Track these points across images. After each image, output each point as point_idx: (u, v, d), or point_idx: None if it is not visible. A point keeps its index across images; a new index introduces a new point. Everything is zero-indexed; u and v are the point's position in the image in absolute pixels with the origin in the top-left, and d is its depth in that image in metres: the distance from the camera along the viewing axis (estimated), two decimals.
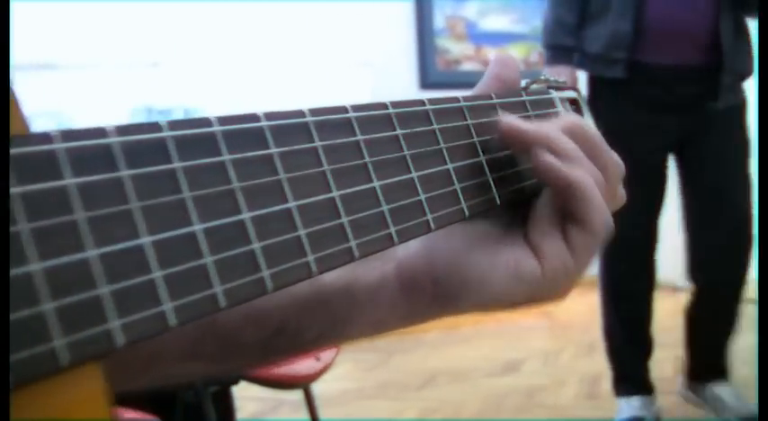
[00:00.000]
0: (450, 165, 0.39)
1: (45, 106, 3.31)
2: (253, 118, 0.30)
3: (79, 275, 0.22)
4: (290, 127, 0.31)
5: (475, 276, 0.42)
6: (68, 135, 0.24)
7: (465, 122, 0.41)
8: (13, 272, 0.21)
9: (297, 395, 1.81)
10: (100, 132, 0.25)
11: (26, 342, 0.21)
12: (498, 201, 0.42)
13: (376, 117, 0.35)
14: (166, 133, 0.26)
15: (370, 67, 3.87)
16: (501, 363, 3.04)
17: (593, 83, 2.18)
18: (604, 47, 2.09)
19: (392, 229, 0.34)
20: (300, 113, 0.31)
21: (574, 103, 0.57)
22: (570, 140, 0.42)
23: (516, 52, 4.45)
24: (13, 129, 0.23)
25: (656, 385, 2.36)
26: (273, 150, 0.29)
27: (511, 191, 0.43)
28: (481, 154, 0.41)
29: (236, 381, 1.47)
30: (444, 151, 0.39)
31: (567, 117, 0.44)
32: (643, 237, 2.27)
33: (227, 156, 0.28)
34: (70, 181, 0.23)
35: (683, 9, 2.04)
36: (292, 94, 3.64)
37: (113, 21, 3.43)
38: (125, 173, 0.25)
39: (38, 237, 0.22)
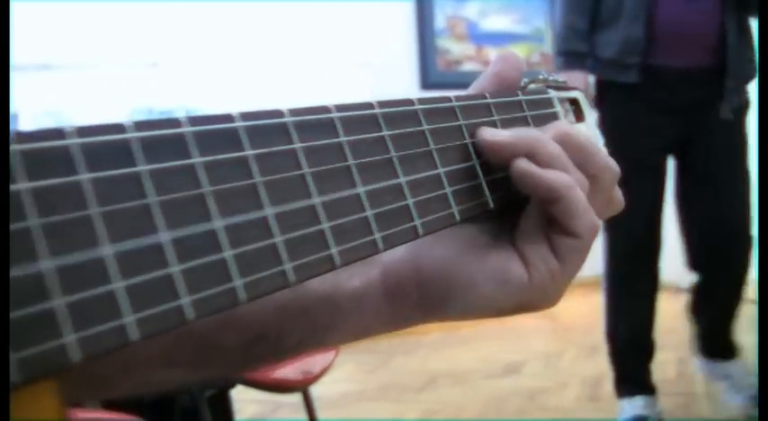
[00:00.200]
0: (440, 168, 0.37)
1: (45, 106, 3.30)
2: (226, 118, 0.28)
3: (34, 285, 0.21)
4: (268, 128, 0.29)
5: (461, 282, 0.41)
6: (24, 137, 0.22)
7: (457, 123, 0.39)
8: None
9: (296, 397, 1.80)
10: (58, 134, 0.23)
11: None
12: (491, 205, 0.40)
13: (361, 117, 0.33)
14: (131, 134, 0.25)
15: (371, 68, 3.86)
16: (502, 365, 3.03)
17: (601, 86, 2.18)
18: (617, 52, 2.10)
19: (377, 236, 0.32)
20: (279, 113, 0.30)
21: (574, 104, 0.55)
22: (557, 146, 0.41)
23: (517, 53, 4.43)
24: None
25: (659, 386, 2.35)
26: (248, 152, 0.28)
27: (505, 194, 0.41)
28: (474, 156, 0.40)
29: (232, 385, 1.46)
30: (434, 153, 0.37)
31: (557, 124, 0.43)
32: (648, 239, 2.27)
33: (197, 159, 0.26)
34: (26, 185, 0.21)
35: (692, 12, 2.05)
36: (292, 94, 3.62)
37: (113, 21, 3.41)
38: (84, 176, 0.23)
39: None
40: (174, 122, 0.26)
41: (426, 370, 3.00)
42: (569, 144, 0.42)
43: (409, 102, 0.37)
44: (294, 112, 0.30)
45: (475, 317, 0.42)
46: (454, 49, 4.25)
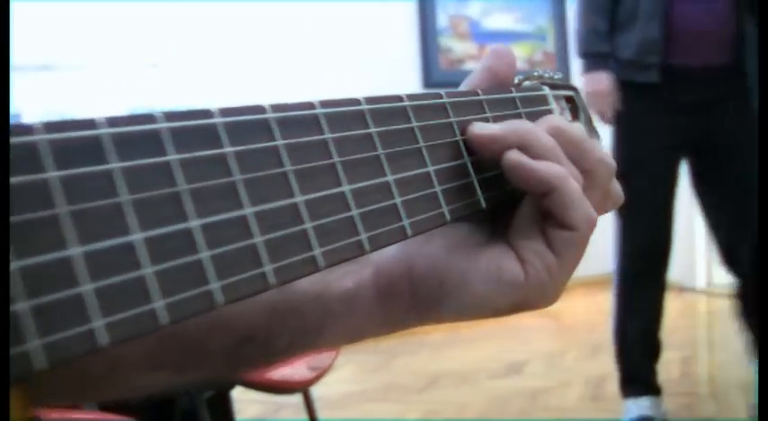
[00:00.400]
0: (430, 166, 0.36)
1: (45, 107, 3.30)
2: (205, 114, 0.27)
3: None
4: (248, 124, 0.28)
5: (454, 281, 0.40)
6: None
7: (448, 120, 0.38)
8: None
9: (298, 398, 1.79)
10: (26, 129, 0.22)
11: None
12: (483, 205, 0.39)
13: (347, 114, 0.32)
14: (103, 130, 0.24)
15: (373, 67, 3.84)
16: (504, 365, 3.02)
17: (620, 87, 2.19)
18: (636, 53, 2.13)
19: (363, 236, 0.31)
20: (260, 109, 0.29)
21: (570, 101, 0.54)
22: (550, 139, 0.39)
23: (520, 51, 4.42)
24: None
25: (663, 386, 2.33)
26: (227, 149, 0.27)
27: (498, 194, 0.40)
28: (465, 154, 0.39)
29: (232, 386, 1.45)
30: (424, 151, 0.36)
31: (550, 119, 0.42)
32: (660, 238, 2.28)
33: (172, 156, 0.25)
34: None
35: (708, 11, 2.08)
36: (293, 93, 3.61)
37: (113, 22, 3.41)
38: (53, 174, 0.22)
39: None
40: (148, 118, 0.25)
41: (428, 370, 2.99)
42: (562, 138, 0.40)
43: (398, 98, 0.36)
44: (277, 108, 0.29)
45: (470, 317, 0.41)
46: (456, 47, 4.24)
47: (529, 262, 0.40)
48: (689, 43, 2.09)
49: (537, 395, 2.68)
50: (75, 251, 0.22)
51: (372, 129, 0.33)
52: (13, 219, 0.21)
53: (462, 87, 0.44)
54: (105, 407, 1.10)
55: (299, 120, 0.30)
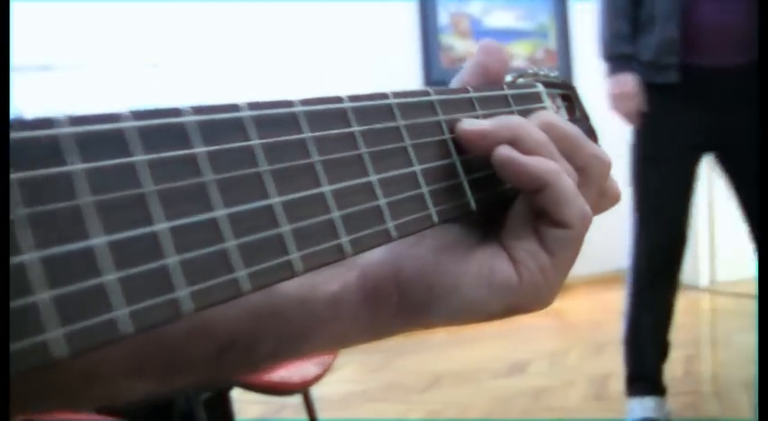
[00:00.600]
0: (416, 166, 0.34)
1: (45, 107, 3.29)
2: (174, 112, 0.26)
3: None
4: (222, 123, 0.27)
5: (443, 285, 0.38)
6: None
7: (436, 118, 0.37)
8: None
9: (300, 397, 1.78)
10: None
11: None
12: (473, 207, 0.37)
13: (328, 112, 0.31)
14: (63, 129, 0.22)
15: (374, 65, 3.83)
16: (507, 364, 3.00)
17: (644, 89, 2.21)
18: (655, 54, 2.15)
19: (343, 239, 0.29)
20: (235, 107, 0.27)
21: (566, 99, 0.53)
22: (542, 134, 0.38)
23: (521, 49, 4.41)
24: None
25: (666, 385, 2.32)
26: (197, 150, 0.25)
27: (489, 195, 0.39)
28: (454, 153, 0.37)
29: (229, 388, 1.44)
30: (410, 150, 0.34)
31: (541, 114, 0.41)
32: (676, 237, 2.29)
33: (139, 157, 0.24)
34: None
35: (726, 10, 2.09)
36: (295, 93, 3.59)
37: (113, 22, 3.40)
38: (13, 176, 0.21)
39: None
40: (113, 117, 0.24)
41: (431, 370, 2.98)
42: (555, 133, 0.39)
43: (383, 95, 0.34)
44: (252, 106, 0.28)
45: (462, 322, 0.40)
46: (458, 45, 4.23)
47: (522, 262, 0.38)
48: (708, 43, 2.11)
49: (540, 394, 2.66)
50: (33, 256, 0.21)
51: (355, 128, 0.32)
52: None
53: (452, 85, 0.43)
54: (101, 410, 1.09)
55: (276, 118, 0.29)
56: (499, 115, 0.40)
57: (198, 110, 0.26)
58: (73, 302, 0.21)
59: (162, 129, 0.25)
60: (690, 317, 2.37)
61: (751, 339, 2.35)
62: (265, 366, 0.42)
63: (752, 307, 2.29)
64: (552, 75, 0.53)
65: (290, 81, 3.63)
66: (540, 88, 0.46)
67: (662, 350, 2.34)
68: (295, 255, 0.27)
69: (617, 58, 2.23)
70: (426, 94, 0.37)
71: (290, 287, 0.39)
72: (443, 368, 2.99)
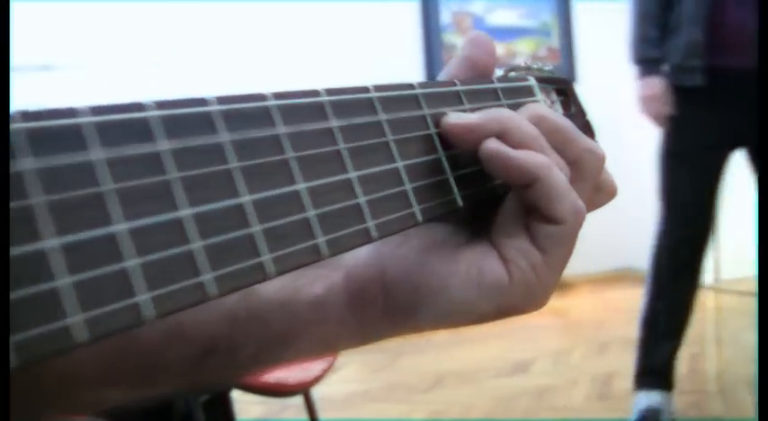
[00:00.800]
0: (399, 162, 0.33)
1: (46, 107, 3.28)
2: (137, 107, 0.24)
3: None
4: (188, 118, 0.25)
5: (431, 286, 0.37)
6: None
7: (420, 112, 0.35)
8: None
9: (302, 397, 1.76)
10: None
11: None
12: (460, 204, 0.36)
13: (303, 106, 0.30)
14: (18, 125, 0.21)
15: (376, 63, 3.82)
16: (510, 364, 2.99)
17: (674, 91, 2.27)
18: (682, 57, 2.21)
19: (320, 239, 0.28)
20: (202, 102, 0.26)
21: (562, 94, 0.51)
22: (532, 127, 0.37)
23: (524, 47, 4.39)
24: None
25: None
26: (162, 148, 0.24)
27: (477, 191, 0.37)
28: (440, 149, 0.36)
29: (228, 389, 1.42)
30: (392, 145, 0.33)
31: (531, 106, 0.39)
32: (699, 235, 2.31)
33: (97, 154, 0.22)
34: None
35: (752, 11, 2.11)
36: None
37: (115, 21, 3.39)
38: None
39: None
40: (68, 112, 0.22)
41: (433, 369, 2.97)
42: (545, 126, 0.38)
43: (364, 89, 0.33)
44: (222, 101, 0.27)
45: (451, 325, 0.38)
46: (460, 44, 4.20)
47: (512, 261, 0.37)
48: (734, 45, 2.14)
49: (543, 394, 2.65)
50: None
51: (333, 123, 0.30)
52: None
53: (440, 79, 0.41)
54: (99, 414, 1.08)
55: (247, 113, 0.27)
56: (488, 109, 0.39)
57: (161, 104, 0.25)
58: (29, 308, 0.20)
59: (122, 125, 0.23)
60: (694, 315, 2.36)
61: (744, 338, 2.34)
62: (248, 372, 0.41)
63: (745, 305, 2.28)
64: (546, 68, 0.51)
65: (292, 80, 3.61)
66: (532, 82, 0.45)
67: (676, 345, 2.35)
68: (267, 257, 0.26)
69: (645, 62, 2.29)
70: (410, 87, 0.35)
71: (270, 289, 0.38)
72: (446, 368, 2.97)
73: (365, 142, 0.32)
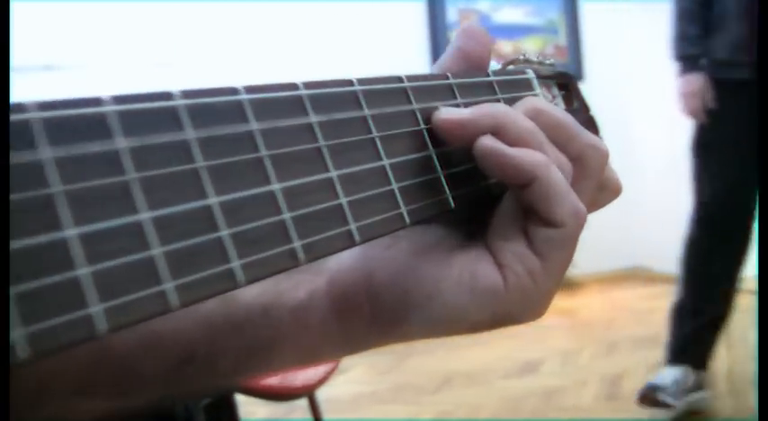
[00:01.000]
0: (385, 160, 0.31)
1: None
2: (94, 102, 0.22)
3: None
4: (149, 113, 0.23)
5: (420, 292, 0.34)
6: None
7: (409, 107, 0.33)
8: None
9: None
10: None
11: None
12: (452, 204, 0.34)
13: (279, 100, 0.27)
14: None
15: (382, 61, 3.79)
16: (518, 364, 2.96)
17: (715, 86, 2.31)
18: (729, 52, 2.26)
19: (296, 244, 0.26)
20: (166, 96, 0.24)
21: (563, 88, 0.49)
22: (530, 122, 0.34)
23: (531, 45, 4.36)
24: None
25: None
26: (121, 145, 0.22)
27: (470, 191, 0.35)
28: (430, 145, 0.34)
29: (230, 393, 1.40)
30: (378, 142, 0.31)
31: (529, 100, 0.37)
32: (742, 234, 2.33)
33: (45, 153, 0.20)
34: None
35: None
36: None
37: (116, 21, 3.39)
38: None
39: None
40: (16, 107, 0.21)
41: (441, 370, 2.94)
42: (545, 121, 0.35)
43: (347, 82, 0.31)
44: (188, 95, 0.25)
45: (444, 333, 0.36)
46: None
47: (508, 266, 0.34)
48: None
49: (552, 395, 2.62)
50: None
51: (312, 119, 0.28)
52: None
53: (433, 72, 0.39)
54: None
55: (215, 108, 0.25)
56: (483, 103, 0.37)
57: (119, 99, 0.23)
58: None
59: (73, 122, 0.21)
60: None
61: (746, 337, 2.32)
62: (228, 382, 0.39)
63: (744, 303, 2.28)
64: (547, 62, 0.49)
65: (298, 80, 3.60)
66: (531, 75, 0.43)
67: (699, 323, 2.38)
68: (236, 263, 0.24)
69: (685, 59, 2.35)
70: (398, 80, 0.33)
71: (250, 295, 0.36)
72: (454, 368, 2.95)
73: (348, 139, 0.29)
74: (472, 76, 0.38)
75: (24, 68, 3.16)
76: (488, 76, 0.39)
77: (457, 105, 0.36)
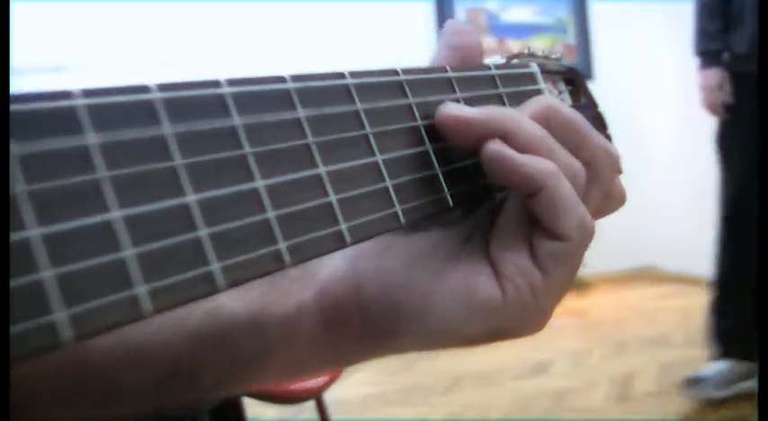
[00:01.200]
0: (378, 156, 0.29)
1: None
2: (63, 95, 0.21)
3: None
4: (123, 107, 0.22)
5: (414, 304, 0.33)
6: None
7: (405, 101, 0.32)
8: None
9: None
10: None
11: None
12: (451, 203, 0.32)
13: (265, 94, 0.26)
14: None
15: (390, 61, 3.77)
16: (529, 365, 2.94)
17: (736, 79, 2.34)
18: (748, 45, 2.25)
19: (281, 245, 0.24)
20: (142, 89, 0.23)
21: (570, 84, 0.48)
22: (538, 127, 0.33)
23: (540, 44, 4.34)
24: None
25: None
26: (92, 141, 0.21)
27: (471, 189, 0.33)
28: (427, 141, 0.32)
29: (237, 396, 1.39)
30: (371, 138, 0.29)
31: (540, 99, 0.35)
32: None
33: (15, 151, 0.19)
34: None
35: None
36: None
37: (124, 22, 3.39)
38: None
39: None
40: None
41: (451, 371, 2.92)
42: (555, 123, 0.34)
43: (338, 75, 0.29)
44: (165, 88, 0.23)
45: (438, 346, 0.35)
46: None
47: (508, 279, 0.33)
48: None
49: (562, 395, 2.60)
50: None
51: (300, 113, 0.27)
52: None
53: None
54: None
55: (195, 102, 0.24)
56: (484, 98, 0.35)
57: (89, 92, 0.21)
58: None
59: (40, 115, 0.20)
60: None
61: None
62: (215, 395, 0.37)
63: None
64: (553, 56, 0.47)
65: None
66: (534, 68, 0.41)
67: (736, 319, 2.38)
68: (215, 266, 0.22)
69: (705, 54, 2.40)
70: (393, 73, 0.32)
71: (236, 307, 0.34)
72: (464, 369, 2.93)
73: (339, 135, 0.28)
74: (472, 69, 0.36)
75: (33, 70, 3.16)
76: (490, 68, 0.37)
77: (456, 100, 0.34)
